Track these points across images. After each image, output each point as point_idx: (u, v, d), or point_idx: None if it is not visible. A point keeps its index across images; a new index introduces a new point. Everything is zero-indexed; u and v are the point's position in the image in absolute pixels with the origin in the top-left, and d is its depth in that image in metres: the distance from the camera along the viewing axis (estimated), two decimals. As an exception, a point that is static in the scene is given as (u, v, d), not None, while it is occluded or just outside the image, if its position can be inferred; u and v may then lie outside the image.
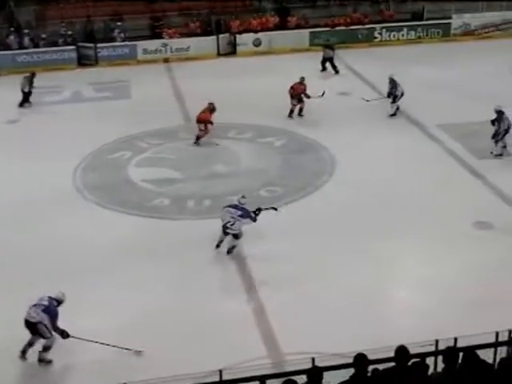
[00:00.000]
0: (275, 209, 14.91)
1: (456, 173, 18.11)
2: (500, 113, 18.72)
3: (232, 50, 30.17)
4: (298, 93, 21.86)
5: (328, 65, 27.01)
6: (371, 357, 7.85)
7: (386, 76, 22.43)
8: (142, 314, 12.47)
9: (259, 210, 14.53)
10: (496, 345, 9.09)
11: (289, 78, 22.17)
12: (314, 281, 13.40)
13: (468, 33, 32.15)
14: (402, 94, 21.79)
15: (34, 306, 11.35)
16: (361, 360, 7.77)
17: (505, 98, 21.69)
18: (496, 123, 18.75)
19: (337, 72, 26.86)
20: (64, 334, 11.36)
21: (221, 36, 30.06)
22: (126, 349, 11.44)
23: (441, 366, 8.15)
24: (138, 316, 12.44)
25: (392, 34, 31.39)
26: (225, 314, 12.47)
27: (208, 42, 29.93)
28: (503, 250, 14.40)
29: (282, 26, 31.15)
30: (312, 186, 17.62)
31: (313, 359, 8.45)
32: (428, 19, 32.11)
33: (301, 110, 22.05)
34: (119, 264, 14.09)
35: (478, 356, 8.06)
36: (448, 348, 8.30)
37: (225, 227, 14.34)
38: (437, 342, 8.97)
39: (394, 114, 21.93)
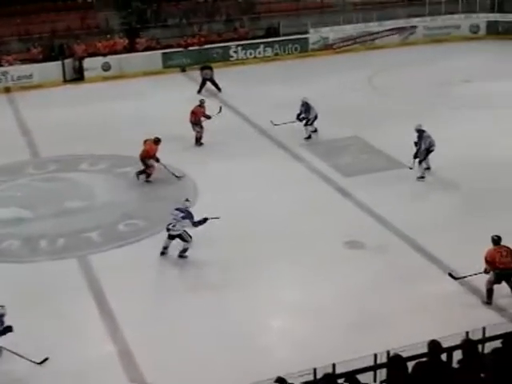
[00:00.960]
0: (218, 218, 15.39)
1: (323, 192, 18.57)
2: (420, 131, 19.01)
3: (79, 76, 29.78)
4: (199, 117, 21.94)
5: (205, 86, 27.26)
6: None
7: (244, 96, 22.79)
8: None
9: (205, 219, 15.32)
10: (375, 368, 9.36)
11: (142, 103, 22.14)
12: (177, 320, 13.35)
13: (326, 47, 33.24)
14: (316, 117, 21.90)
15: None
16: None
17: (365, 111, 22.63)
18: (420, 142, 18.97)
19: (219, 90, 27.11)
20: None
21: (66, 61, 29.63)
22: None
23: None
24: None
25: (248, 51, 31.97)
26: (85, 360, 12.20)
27: (52, 69, 29.42)
28: (376, 269, 14.83)
29: (132, 48, 31.06)
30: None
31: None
32: (284, 35, 32.90)
33: (200, 137, 22.04)
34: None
35: (359, 381, 8.27)
36: (326, 375, 8.46)
37: (168, 229, 15.25)
38: (315, 370, 9.12)
39: (308, 137, 22.04)
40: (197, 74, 28.13)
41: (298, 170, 20.04)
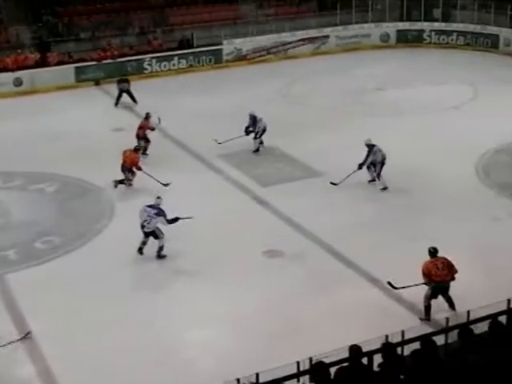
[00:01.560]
0: (190, 217, 15.94)
1: (241, 202, 18.64)
2: (370, 146, 19.15)
3: (-11, 92, 29.15)
4: (145, 132, 21.76)
5: (121, 99, 27.06)
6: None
7: (159, 108, 22.68)
8: None
9: (177, 218, 15.84)
10: (298, 375, 9.42)
11: (56, 118, 21.83)
12: (99, 336, 13.18)
13: (240, 58, 33.40)
14: (264, 130, 21.76)
15: None
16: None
17: (281, 121, 22.80)
18: (368, 157, 19.09)
19: (135, 102, 26.91)
20: None
21: (-25, 78, 28.98)
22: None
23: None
24: None
25: (162, 64, 31.84)
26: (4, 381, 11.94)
27: (-39, 85, 28.73)
28: (296, 277, 14.99)
29: (44, 62, 30.57)
30: (91, 231, 17.38)
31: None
32: (198, 46, 32.90)
33: (145, 148, 21.76)
34: None
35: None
36: (250, 384, 8.50)
37: (142, 226, 15.73)
38: (238, 380, 9.13)
39: (257, 150, 21.88)
40: (111, 87, 27.90)
41: (215, 181, 20.05)
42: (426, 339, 9.15)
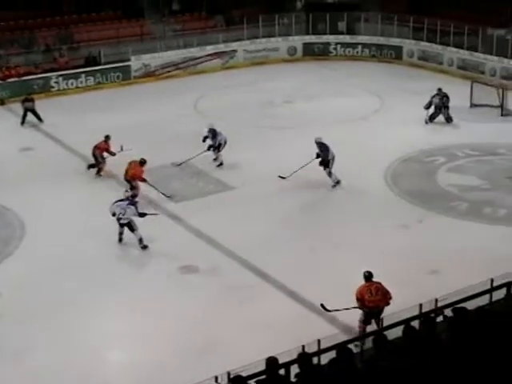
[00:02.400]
0: (156, 214, 17.76)
1: (155, 219, 18.47)
2: (321, 144, 19.85)
3: None
4: (101, 153, 21.26)
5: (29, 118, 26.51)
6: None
7: (67, 126, 22.36)
8: None
9: (145, 214, 17.01)
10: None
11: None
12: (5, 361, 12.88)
13: (149, 74, 33.25)
14: (225, 142, 21.69)
15: None
16: None
17: (191, 136, 22.77)
18: (321, 153, 19.81)
19: (41, 120, 26.40)
20: None
21: None
22: None
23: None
24: None
25: (69, 81, 31.37)
26: None
27: None
28: (212, 292, 15.01)
29: None
30: (1, 254, 16.99)
31: None
32: (106, 63, 32.56)
33: (100, 169, 21.37)
34: None
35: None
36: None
37: (118, 219, 16.70)
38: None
39: (220, 164, 21.81)
40: (17, 106, 27.35)
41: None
42: (341, 347, 9.29)
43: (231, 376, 9.33)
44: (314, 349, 10.41)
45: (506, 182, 20.41)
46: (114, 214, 16.79)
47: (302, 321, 13.71)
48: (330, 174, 19.98)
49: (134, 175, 19.45)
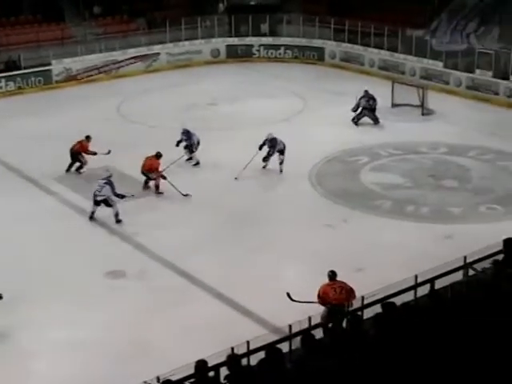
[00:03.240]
0: (133, 195, 18.94)
1: (78, 225, 18.31)
2: (273, 140, 20.94)
3: None
4: (83, 151, 21.47)
5: None
6: None
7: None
8: None
9: (123, 196, 18.42)
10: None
11: None
12: None
13: (71, 78, 32.81)
14: (198, 142, 22.15)
15: None
16: None
17: (116, 140, 22.62)
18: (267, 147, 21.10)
19: None
20: None
21: None
22: None
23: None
24: None
25: (-12, 86, 30.81)
26: None
27: None
28: (141, 296, 14.93)
29: None
30: None
31: None
32: (26, 67, 32.00)
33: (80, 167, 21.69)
34: None
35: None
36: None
37: (95, 196, 18.16)
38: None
39: (197, 163, 22.16)
40: None
41: (50, 204, 19.62)
42: (270, 348, 9.35)
43: (161, 380, 9.30)
44: (244, 350, 10.45)
45: (428, 180, 20.88)
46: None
47: (231, 323, 13.76)
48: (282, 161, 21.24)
49: (150, 167, 20.04)
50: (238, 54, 36.90)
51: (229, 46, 36.88)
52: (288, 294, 13.21)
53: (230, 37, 37.23)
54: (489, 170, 21.63)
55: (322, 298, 12.80)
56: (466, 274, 12.68)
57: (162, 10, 37.02)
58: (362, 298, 12.09)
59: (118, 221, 18.19)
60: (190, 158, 22.34)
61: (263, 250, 16.72)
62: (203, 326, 13.61)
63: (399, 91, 27.60)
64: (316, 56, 36.02)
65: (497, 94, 28.88)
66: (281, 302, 12.98)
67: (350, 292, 12.83)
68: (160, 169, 20.08)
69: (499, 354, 8.29)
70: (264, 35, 37.34)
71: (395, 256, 16.14)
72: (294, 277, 15.89)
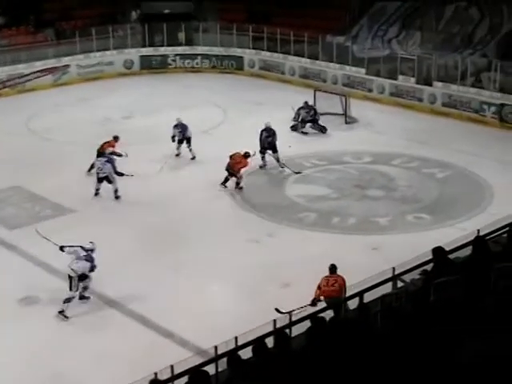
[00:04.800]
0: (132, 175, 20.18)
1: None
2: (269, 129, 22.80)
3: None
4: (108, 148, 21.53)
5: None
6: None
7: None
8: None
9: (122, 174, 20.05)
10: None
11: None
12: None
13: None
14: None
15: None
16: None
17: (25, 158, 22.28)
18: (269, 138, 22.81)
19: None
20: None
21: None
22: None
23: None
24: None
25: None
26: None
27: None
28: (57, 323, 14.69)
29: None
30: None
31: None
32: None
33: None
34: None
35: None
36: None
37: (97, 174, 20.17)
38: None
39: (193, 158, 23.69)
40: None
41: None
42: (195, 371, 9.31)
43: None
44: (168, 375, 10.37)
45: (353, 190, 21.17)
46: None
47: (154, 347, 13.63)
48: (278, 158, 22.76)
49: (234, 166, 21.06)
50: (152, 65, 36.82)
51: (143, 57, 36.79)
52: (277, 309, 13.29)
53: (144, 47, 37.15)
54: (414, 178, 22.07)
55: (318, 289, 13.56)
56: (394, 286, 12.87)
57: (71, 20, 36.64)
58: (290, 314, 12.14)
59: (117, 197, 20.26)
60: (178, 155, 23.73)
61: (186, 267, 16.65)
62: (125, 354, 13.44)
63: (321, 100, 27.90)
64: (235, 65, 36.22)
65: (421, 100, 29.53)
66: (206, 322, 12.94)
67: (342, 288, 13.47)
68: (247, 167, 21.39)
69: (428, 365, 8.43)
70: (180, 44, 37.34)
71: (322, 269, 16.19)
72: (219, 295, 15.89)
